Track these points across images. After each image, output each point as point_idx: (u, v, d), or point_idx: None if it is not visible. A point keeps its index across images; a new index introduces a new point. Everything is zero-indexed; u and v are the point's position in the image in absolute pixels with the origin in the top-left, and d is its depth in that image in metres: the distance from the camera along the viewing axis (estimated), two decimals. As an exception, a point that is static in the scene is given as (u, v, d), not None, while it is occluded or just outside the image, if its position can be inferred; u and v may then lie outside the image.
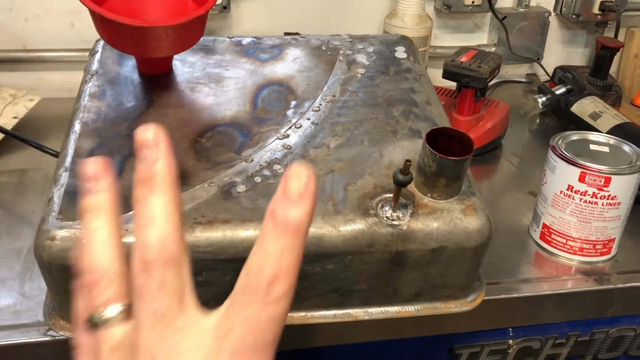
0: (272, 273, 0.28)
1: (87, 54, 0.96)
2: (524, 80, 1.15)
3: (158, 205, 0.30)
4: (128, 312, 0.30)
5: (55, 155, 0.71)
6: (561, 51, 1.14)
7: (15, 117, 0.85)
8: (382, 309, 0.52)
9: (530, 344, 0.64)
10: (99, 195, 0.32)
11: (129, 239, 0.45)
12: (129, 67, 0.62)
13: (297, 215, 0.28)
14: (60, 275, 0.45)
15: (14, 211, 0.70)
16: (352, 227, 0.48)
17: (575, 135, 0.66)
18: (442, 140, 0.49)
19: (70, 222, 0.46)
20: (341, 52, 0.66)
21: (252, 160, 0.52)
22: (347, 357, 0.62)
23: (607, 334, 0.65)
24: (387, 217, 0.48)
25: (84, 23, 0.96)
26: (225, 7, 0.97)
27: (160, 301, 0.28)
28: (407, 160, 0.45)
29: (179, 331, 0.28)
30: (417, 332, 0.60)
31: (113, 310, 0.30)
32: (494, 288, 0.61)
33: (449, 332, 0.61)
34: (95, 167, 0.33)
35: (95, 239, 0.31)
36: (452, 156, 0.47)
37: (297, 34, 0.98)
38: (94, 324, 0.30)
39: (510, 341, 0.64)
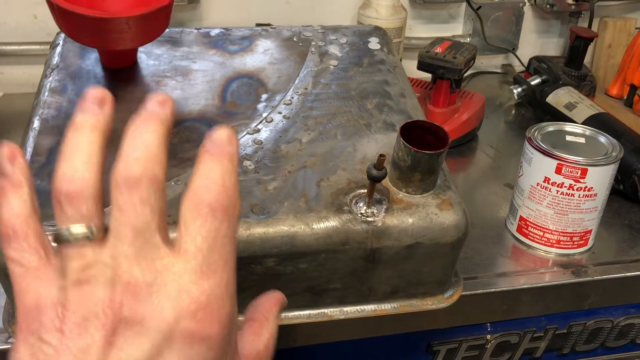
0: (217, 191, 0.29)
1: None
2: (499, 71, 1.14)
3: (149, 132, 0.30)
4: (101, 234, 0.29)
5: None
6: (536, 41, 1.13)
7: (-25, 114, 0.81)
8: (358, 307, 0.51)
9: (508, 339, 0.64)
10: (97, 116, 0.32)
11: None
12: (92, 61, 0.59)
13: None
14: (18, 281, 0.43)
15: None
16: (326, 224, 0.46)
17: (551, 127, 0.66)
18: (417, 134, 0.47)
19: (28, 225, 0.43)
20: (313, 43, 0.64)
21: (221, 157, 0.50)
22: (324, 357, 0.61)
23: (585, 326, 0.65)
24: (361, 213, 0.47)
25: (47, 15, 0.91)
26: (195, -2, 0.94)
27: (142, 217, 0.29)
28: (381, 155, 0.43)
29: (156, 249, 0.29)
30: (394, 330, 0.59)
31: (85, 228, 0.29)
32: (471, 283, 0.60)
33: (426, 328, 0.60)
34: (97, 93, 0.33)
35: (83, 151, 0.30)
36: (427, 150, 0.45)
37: (269, 25, 0.96)
38: (64, 239, 0.29)
39: (488, 336, 0.63)
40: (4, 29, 0.92)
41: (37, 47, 0.93)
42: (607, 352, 0.68)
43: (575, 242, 0.64)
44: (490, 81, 1.12)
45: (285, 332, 0.56)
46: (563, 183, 0.61)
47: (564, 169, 0.60)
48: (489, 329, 0.63)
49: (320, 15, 1.01)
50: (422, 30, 1.07)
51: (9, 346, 0.50)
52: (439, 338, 0.62)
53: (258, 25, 0.96)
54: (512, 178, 0.78)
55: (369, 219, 0.47)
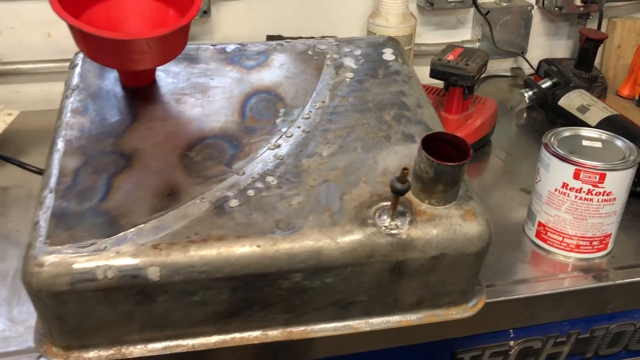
0: None
1: (65, 64, 0.94)
2: (509, 74, 1.14)
3: None
4: None
5: (38, 172, 0.69)
6: (544, 44, 1.14)
7: (-6, 133, 0.82)
8: (383, 319, 0.51)
9: (531, 344, 0.64)
10: None
11: (116, 261, 0.44)
12: (111, 80, 0.60)
13: None
14: (51, 302, 0.44)
15: (-3, 232, 0.68)
16: (351, 238, 0.46)
17: (567, 132, 0.66)
18: (438, 145, 0.48)
19: (59, 247, 0.44)
20: (328, 56, 0.64)
21: (244, 173, 0.51)
22: (348, 367, 0.61)
23: (607, 330, 0.65)
24: (385, 226, 0.47)
25: (61, 34, 0.94)
26: (206, 12, 0.95)
27: None
28: (404, 169, 0.44)
29: None
30: (419, 339, 0.59)
31: None
32: (493, 290, 0.60)
33: (450, 337, 0.61)
34: None
35: None
36: (448, 161, 0.46)
37: (279, 37, 0.96)
38: None
39: (511, 342, 0.63)
40: (19, 48, 0.93)
41: (52, 64, 0.94)
42: (630, 355, 0.69)
43: (595, 247, 0.64)
44: (500, 85, 1.12)
45: (311, 344, 0.57)
46: (581, 188, 0.61)
47: (582, 174, 0.60)
48: (511, 335, 0.63)
49: (329, 25, 1.02)
50: (431, 37, 1.07)
51: (40, 366, 0.51)
52: (463, 346, 0.62)
53: (269, 37, 0.97)
54: (528, 183, 0.78)
55: (393, 231, 0.47)
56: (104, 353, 0.48)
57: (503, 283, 0.61)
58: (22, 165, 0.69)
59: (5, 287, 0.59)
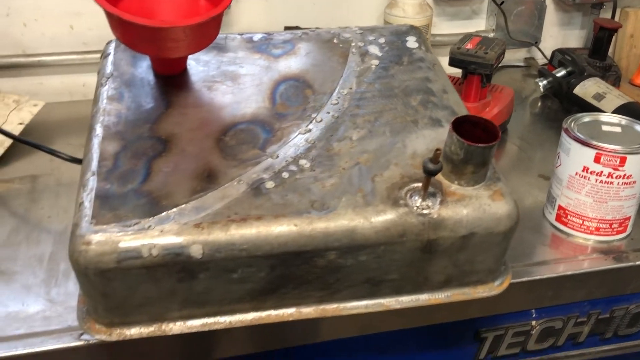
0: None
1: (88, 56, 0.96)
2: (522, 64, 1.16)
3: None
4: None
5: (68, 159, 0.70)
6: (558, 34, 1.15)
7: (20, 123, 0.84)
8: (413, 297, 0.53)
9: (552, 324, 0.65)
10: None
11: (160, 239, 0.45)
12: (144, 69, 0.61)
13: None
14: (97, 279, 0.45)
15: (30, 218, 0.70)
16: (384, 217, 0.48)
17: (587, 117, 0.67)
18: (466, 128, 0.49)
19: (104, 226, 0.46)
20: (353, 44, 0.66)
21: (278, 157, 0.52)
22: (376, 346, 0.63)
23: (627, 310, 0.67)
24: (417, 206, 0.49)
25: (83, 26, 0.95)
26: (225, 4, 0.96)
27: None
28: (437, 149, 0.45)
29: None
30: (444, 318, 0.61)
31: None
32: (515, 271, 0.62)
33: (474, 316, 0.62)
34: None
35: None
36: (477, 143, 0.47)
37: (297, 27, 0.98)
38: None
39: (533, 322, 0.65)
40: (42, 40, 0.95)
41: (74, 56, 0.96)
42: (648, 336, 0.70)
43: (615, 229, 0.66)
44: (514, 75, 1.13)
45: (339, 323, 0.58)
46: (602, 172, 0.62)
47: (602, 157, 0.62)
48: (534, 315, 0.65)
49: (346, 15, 1.03)
50: (446, 27, 1.09)
51: (83, 343, 0.53)
52: (487, 325, 0.64)
53: (286, 28, 0.98)
54: (546, 169, 0.79)
55: (425, 211, 0.49)
56: (144, 330, 0.50)
57: (524, 265, 0.63)
58: (52, 152, 0.71)
59: (42, 270, 0.61)
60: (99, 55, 0.95)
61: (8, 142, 0.81)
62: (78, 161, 0.70)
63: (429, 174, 0.46)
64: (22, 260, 0.63)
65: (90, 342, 0.53)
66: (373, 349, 0.64)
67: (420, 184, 0.50)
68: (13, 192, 0.75)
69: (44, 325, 0.55)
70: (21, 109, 0.87)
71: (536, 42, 1.11)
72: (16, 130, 0.82)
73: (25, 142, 0.73)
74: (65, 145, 0.81)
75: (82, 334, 0.53)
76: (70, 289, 0.59)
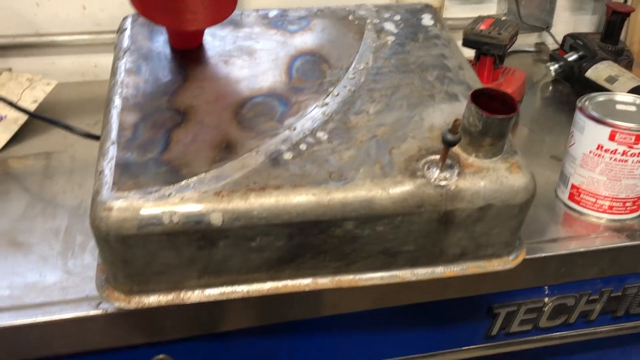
0: None
1: (100, 37, 0.96)
2: (533, 49, 1.15)
3: None
4: None
5: (83, 135, 0.71)
6: (569, 19, 1.15)
7: (34, 102, 0.84)
8: (428, 269, 0.53)
9: (565, 301, 0.66)
10: None
11: (181, 207, 0.46)
12: (160, 43, 0.62)
13: None
14: (119, 245, 0.46)
15: (45, 193, 0.70)
16: (401, 188, 0.48)
17: (601, 97, 0.67)
18: (484, 101, 0.49)
19: (125, 193, 0.46)
20: (368, 21, 0.66)
21: (295, 129, 0.53)
22: (388, 320, 0.64)
23: (639, 288, 0.67)
24: (434, 177, 0.49)
25: (96, 6, 0.96)
26: (238, -15, 0.96)
27: None
28: (456, 120, 0.46)
29: None
30: (458, 293, 0.61)
31: None
32: (528, 248, 0.62)
33: (487, 292, 0.63)
34: None
35: None
36: (495, 115, 0.48)
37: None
38: None
39: (546, 299, 0.65)
40: (54, 20, 0.95)
41: (87, 37, 0.96)
42: (659, 315, 0.70)
43: (628, 208, 0.66)
44: (525, 60, 1.13)
45: (355, 295, 0.59)
46: (617, 150, 0.62)
47: (617, 135, 0.62)
48: (546, 292, 0.65)
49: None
50: (457, 11, 1.08)
51: (101, 312, 0.53)
52: (499, 301, 0.64)
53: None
54: (557, 151, 0.80)
55: (442, 182, 0.49)
56: (163, 298, 0.50)
57: (537, 242, 0.63)
58: (68, 127, 0.71)
59: (59, 242, 0.62)
60: (111, 35, 0.96)
61: (22, 119, 0.82)
62: (93, 137, 0.70)
63: (448, 144, 0.47)
64: (38, 232, 0.63)
65: (108, 310, 0.53)
66: (386, 323, 0.64)
67: (437, 156, 0.50)
68: (28, 168, 0.75)
69: (62, 295, 0.55)
70: (34, 88, 0.87)
71: (547, 27, 1.11)
72: (30, 108, 0.82)
73: (41, 118, 0.74)
74: (78, 124, 0.81)
75: (100, 303, 0.54)
76: (87, 261, 0.59)
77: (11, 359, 0.55)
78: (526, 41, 1.15)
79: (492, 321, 0.66)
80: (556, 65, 0.99)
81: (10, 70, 0.93)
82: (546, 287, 0.65)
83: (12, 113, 0.82)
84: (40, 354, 0.55)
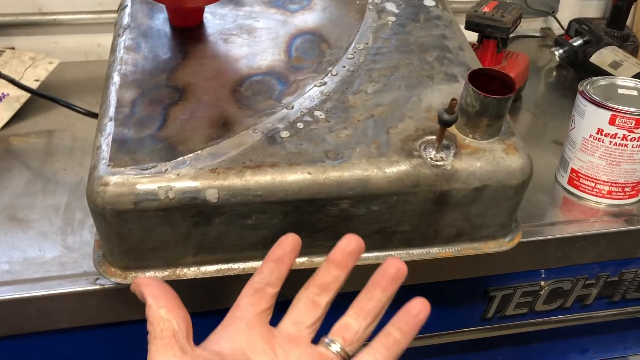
0: None
1: (103, 16, 0.96)
2: (538, 34, 1.14)
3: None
4: None
5: (84, 113, 0.71)
6: (575, 4, 1.13)
7: (37, 80, 0.85)
8: (423, 250, 0.54)
9: (561, 285, 0.66)
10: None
11: (177, 183, 0.46)
12: (161, 21, 0.62)
13: None
14: (115, 220, 0.46)
15: (45, 170, 0.71)
16: (397, 168, 0.48)
17: (603, 81, 0.67)
18: (483, 81, 0.49)
19: (122, 169, 0.46)
20: (370, 1, 0.66)
21: (293, 107, 0.53)
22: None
23: (636, 274, 0.67)
24: (431, 158, 0.49)
25: (99, -15, 0.95)
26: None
27: None
28: (453, 99, 0.46)
29: None
30: (454, 275, 0.62)
31: None
32: (525, 231, 0.62)
33: (484, 274, 0.63)
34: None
35: None
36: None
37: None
38: None
39: (542, 282, 0.65)
40: (57, -2, 0.95)
41: (90, 16, 0.96)
42: (656, 300, 0.71)
43: (627, 193, 0.66)
44: (530, 45, 1.12)
45: (351, 275, 0.59)
46: (617, 134, 0.62)
47: (617, 119, 0.61)
48: (543, 276, 0.65)
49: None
50: (462, -6, 1.08)
51: (98, 287, 0.54)
52: (496, 284, 0.64)
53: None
54: (559, 135, 0.79)
55: (439, 163, 0.49)
56: (159, 274, 0.51)
57: (535, 225, 0.63)
58: (69, 105, 0.71)
59: (59, 218, 0.62)
60: (114, 15, 0.95)
61: (24, 97, 0.82)
62: (94, 115, 0.70)
63: (444, 124, 0.47)
64: (38, 209, 0.64)
65: (106, 286, 0.54)
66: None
67: (434, 137, 0.50)
68: (30, 145, 0.76)
69: (60, 270, 0.56)
70: (37, 66, 0.87)
71: (553, 12, 1.10)
72: (32, 87, 0.83)
73: (43, 96, 0.74)
74: (80, 103, 0.81)
75: (97, 279, 0.54)
76: (86, 238, 0.60)
77: (10, 332, 0.56)
78: (531, 26, 1.14)
79: (488, 304, 0.66)
80: (561, 50, 0.99)
81: (13, 48, 0.93)
82: (543, 271, 0.65)
83: (14, 91, 0.82)
84: (39, 327, 0.56)
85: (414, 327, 0.39)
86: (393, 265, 0.40)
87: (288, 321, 0.41)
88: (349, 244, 0.42)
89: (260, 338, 0.39)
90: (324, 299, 0.41)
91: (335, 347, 0.39)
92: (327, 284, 0.41)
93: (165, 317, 0.36)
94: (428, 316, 0.39)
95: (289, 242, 0.43)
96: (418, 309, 0.39)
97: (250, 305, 0.40)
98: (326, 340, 0.39)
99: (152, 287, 0.38)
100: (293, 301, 0.41)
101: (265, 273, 0.41)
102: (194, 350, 0.36)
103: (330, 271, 0.41)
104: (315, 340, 0.41)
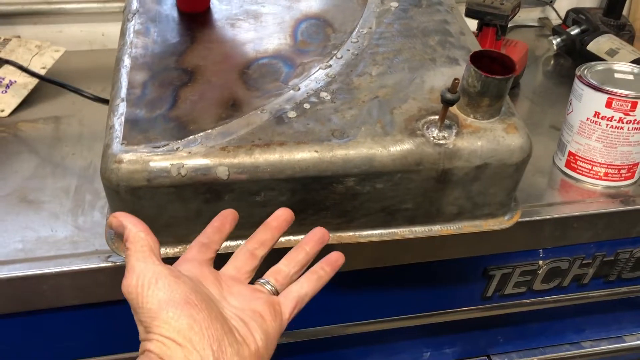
0: None
1: (107, 5, 0.97)
2: (536, 24, 1.16)
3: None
4: None
5: (92, 98, 0.72)
6: (573, -6, 1.15)
7: (43, 68, 0.86)
8: (426, 227, 0.55)
9: (558, 265, 0.68)
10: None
11: (189, 160, 0.47)
12: (169, 6, 0.63)
13: None
14: (129, 197, 0.48)
15: (54, 155, 0.72)
16: (401, 147, 0.50)
17: (600, 66, 0.69)
18: (484, 63, 0.51)
19: (135, 147, 0.48)
20: (372, -12, 0.67)
21: (299, 89, 0.54)
22: (387, 279, 0.66)
23: (631, 253, 0.69)
24: (433, 137, 0.51)
25: (104, -26, 0.97)
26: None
27: None
28: (455, 79, 0.47)
29: None
30: (454, 254, 0.63)
31: None
32: (525, 211, 0.64)
33: (483, 254, 0.65)
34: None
35: None
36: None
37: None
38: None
39: (541, 262, 0.67)
40: (63, -13, 0.96)
41: (95, 5, 0.97)
42: (651, 280, 0.72)
43: (623, 175, 0.67)
44: (528, 34, 1.14)
45: (354, 254, 0.61)
46: (613, 117, 0.64)
47: (614, 102, 0.63)
48: (541, 255, 0.67)
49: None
50: (461, -16, 1.09)
51: (110, 264, 0.55)
52: (495, 263, 0.66)
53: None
54: (557, 121, 0.81)
55: (441, 141, 0.50)
56: (170, 250, 0.52)
57: (533, 206, 0.65)
58: (77, 91, 0.73)
59: (69, 200, 0.64)
60: (118, 4, 0.97)
61: (32, 84, 0.83)
62: (101, 100, 0.72)
63: (447, 103, 0.48)
64: (49, 191, 0.65)
65: (117, 263, 0.56)
66: (383, 283, 0.66)
67: (437, 117, 0.51)
68: (38, 131, 0.77)
69: (72, 249, 0.57)
70: (43, 54, 0.89)
71: (551, 2, 1.12)
72: (39, 73, 0.84)
73: (50, 81, 0.75)
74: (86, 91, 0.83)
75: (109, 257, 0.56)
76: (97, 218, 0.61)
77: (24, 309, 0.57)
78: (530, 16, 1.16)
79: (487, 283, 0.68)
80: (558, 39, 1.00)
81: (19, 37, 0.94)
82: (541, 250, 0.67)
83: (21, 78, 0.83)
84: (51, 304, 0.57)
85: (333, 269, 0.48)
86: (320, 231, 0.50)
87: (230, 266, 0.47)
88: (283, 214, 0.49)
89: (209, 272, 0.45)
90: (261, 252, 0.48)
91: (268, 286, 0.46)
92: (265, 240, 0.48)
93: (144, 237, 0.43)
94: (342, 264, 0.49)
95: (230, 213, 0.49)
96: (336, 256, 0.49)
97: (198, 252, 0.46)
98: (261, 280, 0.47)
99: (131, 218, 0.44)
100: (234, 253, 0.48)
101: (210, 234, 0.48)
102: (165, 264, 0.43)
103: (267, 232, 0.48)
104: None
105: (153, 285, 0.40)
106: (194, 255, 0.46)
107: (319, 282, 0.48)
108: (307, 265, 0.49)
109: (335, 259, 0.49)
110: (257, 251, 0.48)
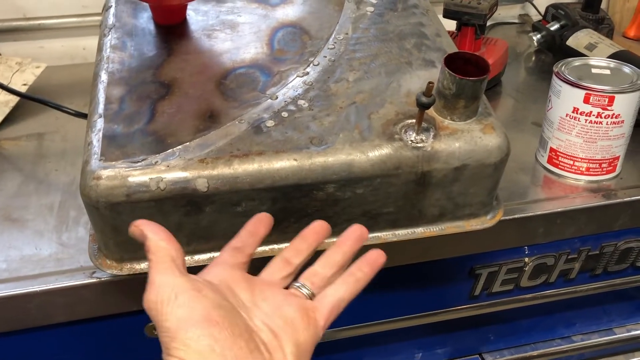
0: None
1: (87, 19, 0.97)
2: (516, 21, 1.17)
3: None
4: None
5: (74, 114, 0.72)
6: (552, -10, 1.15)
7: (25, 84, 0.86)
8: (408, 230, 0.55)
9: (544, 261, 0.68)
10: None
11: (167, 174, 0.47)
12: (145, 19, 0.63)
13: None
14: (108, 213, 0.48)
15: (38, 172, 0.72)
16: (380, 152, 0.50)
17: (577, 62, 0.69)
18: (459, 65, 0.51)
19: (113, 162, 0.48)
20: (348, -7, 0.67)
21: (277, 98, 0.54)
22: (374, 282, 0.66)
23: (616, 247, 0.69)
24: (411, 140, 0.51)
25: (82, -12, 0.97)
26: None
27: None
28: (430, 82, 0.47)
29: None
30: (440, 255, 0.64)
31: None
32: (508, 209, 0.64)
33: (468, 253, 0.65)
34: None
35: None
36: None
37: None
38: None
39: (526, 259, 0.67)
40: (42, 3, 0.96)
41: (75, 19, 0.97)
42: (636, 272, 0.73)
43: (604, 169, 0.68)
44: (508, 31, 1.15)
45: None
46: (591, 112, 0.64)
47: (592, 98, 0.64)
48: (526, 252, 0.67)
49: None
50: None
51: (95, 280, 0.55)
52: (481, 262, 0.66)
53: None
54: (539, 117, 0.81)
55: (419, 145, 0.51)
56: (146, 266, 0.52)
57: (517, 203, 0.65)
58: (58, 107, 0.73)
59: (53, 217, 0.64)
60: (98, 17, 0.96)
61: (13, 101, 0.83)
62: (83, 116, 0.72)
63: (423, 106, 0.49)
64: (33, 208, 0.65)
65: (102, 278, 0.55)
66: (371, 286, 0.66)
67: (414, 120, 0.52)
68: (21, 149, 0.77)
69: (57, 266, 0.57)
70: (24, 71, 0.89)
71: (530, -2, 1.12)
72: (20, 91, 0.84)
73: (33, 99, 0.75)
74: (68, 106, 0.83)
75: (93, 272, 0.56)
76: (81, 234, 0.61)
77: (10, 329, 0.57)
78: (510, 13, 1.16)
79: (474, 282, 0.68)
80: (539, 35, 1.01)
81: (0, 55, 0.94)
82: (526, 247, 0.67)
83: (2, 96, 0.83)
84: (38, 323, 0.57)
85: (372, 270, 0.45)
86: (358, 229, 0.47)
87: (264, 273, 0.46)
88: (321, 226, 0.48)
89: (241, 277, 0.44)
90: (297, 260, 0.46)
91: (304, 290, 0.44)
92: (301, 250, 0.46)
93: (166, 247, 0.41)
94: (384, 263, 0.46)
95: (265, 217, 0.49)
96: (376, 255, 0.46)
97: (230, 256, 0.45)
98: (296, 284, 0.45)
99: (152, 225, 0.42)
100: (269, 261, 0.47)
101: (243, 237, 0.47)
102: (188, 275, 0.41)
103: (305, 241, 0.47)
104: None
105: (172, 301, 0.38)
106: (225, 259, 0.45)
107: (356, 284, 0.44)
108: (345, 266, 0.46)
109: (375, 258, 0.45)
110: (293, 259, 0.46)
